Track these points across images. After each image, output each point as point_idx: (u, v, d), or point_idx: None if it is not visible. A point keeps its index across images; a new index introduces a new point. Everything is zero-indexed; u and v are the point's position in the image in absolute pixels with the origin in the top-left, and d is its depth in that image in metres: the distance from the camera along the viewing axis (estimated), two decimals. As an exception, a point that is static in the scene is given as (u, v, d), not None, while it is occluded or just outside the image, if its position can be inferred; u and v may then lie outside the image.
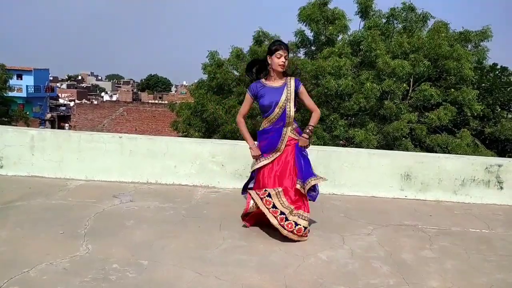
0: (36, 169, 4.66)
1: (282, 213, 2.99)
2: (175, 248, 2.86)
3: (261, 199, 3.04)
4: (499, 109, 10.51)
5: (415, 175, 4.50)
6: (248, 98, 3.27)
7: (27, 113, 33.77)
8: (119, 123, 26.78)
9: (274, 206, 3.01)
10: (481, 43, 10.86)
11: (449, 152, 8.73)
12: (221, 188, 4.57)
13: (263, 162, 3.24)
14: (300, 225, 3.00)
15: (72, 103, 43.36)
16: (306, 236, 3.07)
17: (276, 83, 3.19)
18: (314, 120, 3.24)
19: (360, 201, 4.31)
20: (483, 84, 10.53)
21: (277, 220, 2.97)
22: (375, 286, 2.42)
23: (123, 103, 29.60)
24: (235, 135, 9.20)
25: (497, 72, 11.50)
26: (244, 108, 3.38)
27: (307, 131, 3.19)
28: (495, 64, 11.64)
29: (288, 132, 3.19)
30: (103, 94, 65.14)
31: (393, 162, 4.54)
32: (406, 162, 4.52)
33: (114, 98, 56.56)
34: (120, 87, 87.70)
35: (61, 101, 48.61)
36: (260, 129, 3.34)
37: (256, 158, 3.29)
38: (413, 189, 4.52)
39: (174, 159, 4.64)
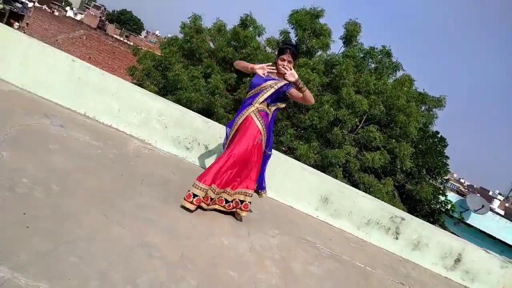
0: (-29, 56, 4.32)
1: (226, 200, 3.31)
2: (91, 186, 2.86)
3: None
4: (425, 172, 11.54)
5: (332, 201, 4.86)
6: (250, 64, 3.39)
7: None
8: (74, 44, 25.05)
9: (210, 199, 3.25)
10: (434, 109, 11.83)
11: (370, 193, 9.43)
12: (157, 148, 4.58)
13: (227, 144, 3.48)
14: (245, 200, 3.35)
15: (30, 4, 39.67)
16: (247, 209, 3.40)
17: (273, 75, 3.38)
18: (309, 92, 3.33)
19: (278, 207, 4.57)
20: (420, 146, 11.48)
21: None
22: (259, 280, 2.64)
23: (86, 25, 27.69)
24: (190, 105, 9.13)
25: (436, 140, 12.61)
26: (245, 62, 3.54)
27: (302, 81, 3.32)
28: (436, 132, 12.75)
29: (251, 110, 3.32)
30: (67, 8, 60.27)
31: (319, 183, 4.85)
32: (330, 186, 4.87)
33: (78, 17, 52.64)
34: (88, 8, 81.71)
35: (20, -4, 44.12)
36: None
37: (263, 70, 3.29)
38: (326, 213, 4.88)
39: (120, 103, 4.55)
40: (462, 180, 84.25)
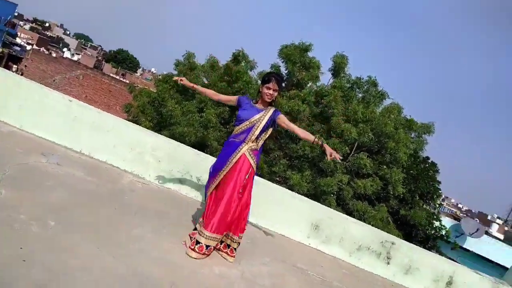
0: (-28, 100, 4.54)
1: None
2: (86, 220, 2.99)
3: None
4: (418, 197, 11.66)
5: (323, 228, 4.96)
6: (233, 98, 3.55)
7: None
8: (71, 84, 25.59)
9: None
10: (423, 135, 12.11)
11: (364, 220, 9.50)
12: (151, 181, 4.72)
13: (214, 183, 3.40)
14: (201, 243, 3.16)
15: (29, 47, 40.71)
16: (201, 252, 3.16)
17: (259, 105, 3.43)
18: (305, 133, 3.50)
19: (270, 235, 4.66)
20: (411, 171, 11.68)
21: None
22: (249, 306, 2.73)
23: (82, 66, 28.37)
24: (183, 139, 9.34)
25: (427, 165, 12.83)
26: (222, 96, 3.69)
27: (322, 143, 3.42)
28: (427, 158, 12.99)
29: (244, 149, 3.33)
30: (65, 49, 61.79)
31: (310, 210, 4.97)
32: (320, 214, 4.99)
33: (76, 58, 53.87)
34: (85, 49, 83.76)
35: (18, 40, 45.37)
36: (227, 139, 3.52)
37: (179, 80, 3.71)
38: (318, 240, 4.97)
39: (115, 139, 4.73)
40: (460, 205, 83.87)
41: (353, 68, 11.84)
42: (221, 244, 3.36)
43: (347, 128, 9.31)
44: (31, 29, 66.94)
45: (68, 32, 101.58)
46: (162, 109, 10.33)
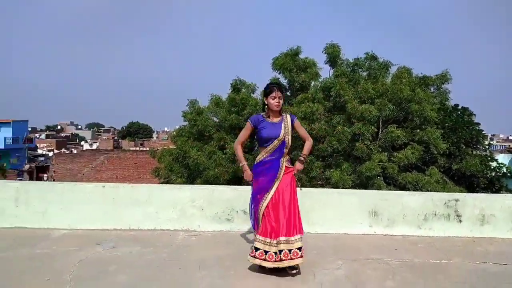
0: (19, 220, 4.79)
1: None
2: (157, 289, 3.05)
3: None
4: (464, 147, 11.21)
5: (381, 212, 4.85)
6: (248, 127, 3.56)
7: (4, 164, 33.20)
8: (99, 172, 26.61)
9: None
10: (442, 86, 11.78)
11: (419, 189, 9.19)
12: (201, 231, 4.79)
13: (267, 198, 3.46)
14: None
15: (50, 153, 42.88)
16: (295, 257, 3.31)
17: (274, 119, 3.54)
18: (306, 148, 3.64)
19: (332, 238, 4.59)
20: (446, 124, 11.29)
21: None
22: (339, 314, 2.67)
23: (103, 151, 29.55)
24: (217, 180, 9.47)
25: (459, 112, 12.38)
26: (242, 136, 3.65)
27: (302, 158, 3.62)
28: (456, 105, 12.55)
29: (284, 162, 3.51)
30: (82, 143, 64.67)
31: (360, 200, 4.89)
32: (372, 200, 4.88)
33: (94, 146, 56.19)
34: (100, 135, 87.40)
35: (39, 151, 47.97)
36: (257, 161, 3.56)
37: (248, 180, 3.60)
38: (381, 225, 4.85)
39: (155, 206, 4.86)
40: (511, 137, 79.83)
41: (348, 51, 11.77)
42: (280, 253, 3.33)
43: (365, 109, 9.19)
44: (47, 136, 70.66)
45: (80, 126, 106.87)
46: (188, 161, 10.55)
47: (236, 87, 13.31)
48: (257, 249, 3.35)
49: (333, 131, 9.35)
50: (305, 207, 4.80)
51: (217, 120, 12.72)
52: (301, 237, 3.41)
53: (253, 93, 13.35)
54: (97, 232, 4.70)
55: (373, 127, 9.34)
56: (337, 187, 9.11)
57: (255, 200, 3.58)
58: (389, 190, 9.24)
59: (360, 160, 9.76)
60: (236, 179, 9.87)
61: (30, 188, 4.87)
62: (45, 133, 78.09)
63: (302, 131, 3.64)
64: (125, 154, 27.22)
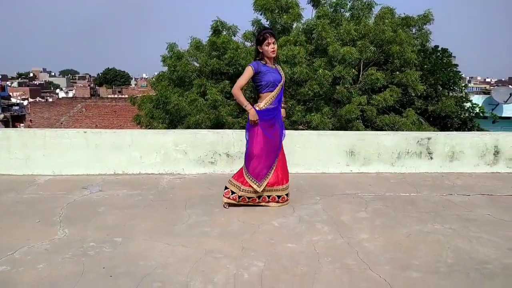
0: (2, 167, 4.81)
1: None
2: (146, 226, 3.22)
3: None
4: (441, 89, 11.42)
5: (358, 151, 5.07)
6: (249, 71, 3.43)
7: (-23, 114, 32.00)
8: (77, 120, 26.09)
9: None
10: (424, 27, 11.70)
11: (396, 130, 9.50)
12: (186, 174, 4.94)
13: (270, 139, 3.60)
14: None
15: (25, 102, 41.48)
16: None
17: (272, 65, 3.56)
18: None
19: (311, 178, 4.83)
20: (425, 66, 11.38)
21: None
22: (316, 241, 2.92)
23: (80, 99, 28.75)
24: (199, 127, 9.50)
25: (438, 53, 12.45)
26: (241, 81, 3.47)
27: (285, 106, 3.90)
28: (436, 47, 12.56)
29: (282, 109, 3.74)
30: (58, 90, 62.54)
31: (339, 141, 5.08)
32: (350, 140, 5.08)
33: (71, 94, 54.55)
34: (75, 82, 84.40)
35: (13, 100, 46.21)
36: (262, 108, 3.50)
37: (255, 119, 3.46)
38: (357, 164, 5.10)
39: (139, 151, 4.94)
40: (488, 79, 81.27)
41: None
42: (268, 198, 3.66)
43: (346, 51, 9.14)
44: (20, 84, 67.82)
45: (53, 73, 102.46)
46: (168, 106, 10.46)
47: (217, 29, 12.84)
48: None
49: (315, 75, 9.36)
50: (286, 148, 4.97)
51: (198, 65, 12.44)
52: (284, 186, 3.75)
53: (234, 36, 12.97)
54: (82, 177, 4.79)
55: (353, 70, 9.36)
56: (318, 129, 9.31)
57: (263, 156, 3.60)
58: (367, 132, 9.53)
59: (341, 103, 9.89)
60: (219, 125, 9.93)
61: (11, 135, 4.84)
62: (17, 81, 74.79)
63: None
64: (103, 102, 26.59)
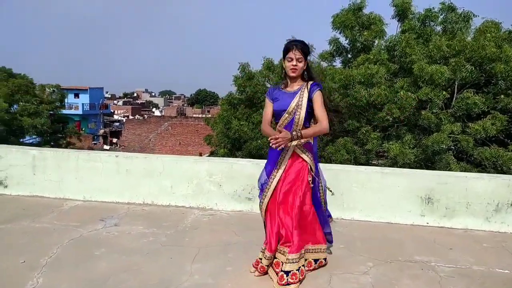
0: (38, 189, 4.65)
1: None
2: (132, 284, 2.56)
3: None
4: None
5: (438, 198, 3.85)
6: (267, 103, 2.81)
7: (83, 129, 36.04)
8: (164, 137, 27.57)
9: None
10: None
11: (500, 167, 7.68)
12: (218, 210, 4.24)
13: (268, 193, 2.77)
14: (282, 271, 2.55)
15: (125, 119, 45.66)
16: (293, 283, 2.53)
17: (291, 87, 2.76)
18: (311, 129, 2.66)
19: (370, 228, 3.76)
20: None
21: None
22: None
23: (167, 117, 30.50)
24: (260, 151, 8.86)
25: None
26: (266, 114, 2.80)
27: (294, 133, 2.53)
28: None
29: (294, 146, 2.66)
30: (154, 109, 68.01)
31: (411, 183, 3.93)
32: (427, 182, 3.89)
33: (164, 113, 58.78)
34: (172, 102, 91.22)
35: (115, 117, 51.38)
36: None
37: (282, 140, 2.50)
38: (436, 215, 3.87)
39: (170, 179, 4.40)
40: None
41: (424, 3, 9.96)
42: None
43: (435, 70, 7.73)
44: (124, 103, 75.43)
45: (153, 94, 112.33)
46: (229, 132, 10.00)
47: (291, 49, 12.26)
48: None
49: (395, 97, 8.10)
50: (340, 189, 4.00)
51: (269, 86, 11.92)
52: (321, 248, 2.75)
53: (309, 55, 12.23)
54: (110, 205, 4.38)
55: (444, 93, 7.87)
56: (396, 162, 7.96)
57: (260, 189, 2.87)
58: (460, 167, 7.86)
59: (426, 131, 8.40)
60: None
61: (47, 156, 4.67)
62: (123, 100, 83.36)
63: (319, 108, 2.63)
64: (187, 121, 27.77)
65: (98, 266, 2.82)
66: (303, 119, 2.65)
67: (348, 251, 3.19)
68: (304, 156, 2.70)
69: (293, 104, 2.66)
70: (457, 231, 3.73)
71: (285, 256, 2.56)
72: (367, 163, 8.93)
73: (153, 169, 4.43)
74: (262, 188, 2.85)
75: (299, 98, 2.67)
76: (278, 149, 2.52)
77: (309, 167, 2.71)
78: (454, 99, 8.64)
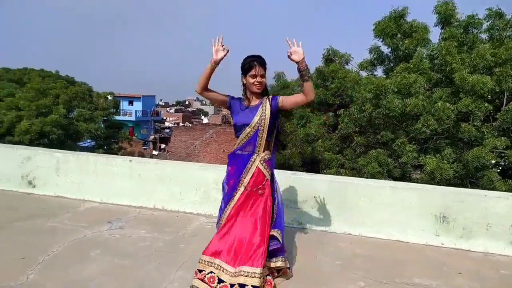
0: (61, 190, 4.92)
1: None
2: (112, 287, 2.60)
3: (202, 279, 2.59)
4: None
5: (454, 218, 3.54)
6: (223, 97, 2.78)
7: (136, 135, 37.90)
8: (208, 145, 28.13)
9: (220, 281, 2.54)
10: None
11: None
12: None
13: (229, 207, 2.82)
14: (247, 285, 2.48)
15: (174, 126, 47.35)
16: None
17: (253, 102, 2.74)
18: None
19: (377, 246, 3.54)
20: None
21: None
22: None
23: (212, 125, 31.15)
24: (288, 162, 8.73)
25: None
26: (212, 92, 2.76)
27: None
28: None
29: (257, 162, 2.70)
30: (203, 117, 69.93)
31: (424, 200, 3.65)
32: (442, 200, 3.59)
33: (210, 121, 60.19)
34: (221, 110, 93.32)
35: (167, 124, 53.53)
36: (232, 151, 2.87)
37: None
38: (453, 235, 3.56)
39: (179, 186, 4.45)
40: None
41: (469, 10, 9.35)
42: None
43: (477, 80, 7.19)
44: (176, 111, 78.34)
45: (204, 102, 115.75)
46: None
47: (329, 57, 12.11)
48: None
49: (432, 108, 7.62)
50: (348, 203, 3.82)
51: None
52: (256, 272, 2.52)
53: (347, 65, 11.99)
54: (124, 208, 4.52)
55: (487, 104, 7.27)
56: (433, 177, 7.47)
57: (228, 197, 2.88)
58: (506, 185, 7.20)
59: (468, 145, 7.81)
60: (313, 162, 8.97)
61: (70, 159, 4.94)
62: (175, 107, 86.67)
63: (293, 97, 2.72)
64: (231, 129, 28.16)
65: (87, 268, 2.89)
66: (266, 133, 2.67)
67: (342, 267, 3.02)
68: (266, 174, 2.72)
69: (256, 118, 2.66)
70: (475, 254, 3.40)
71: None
72: (403, 176, 8.48)
73: (164, 174, 4.51)
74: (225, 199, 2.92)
75: (262, 112, 2.67)
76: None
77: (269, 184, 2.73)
78: (501, 112, 7.97)
